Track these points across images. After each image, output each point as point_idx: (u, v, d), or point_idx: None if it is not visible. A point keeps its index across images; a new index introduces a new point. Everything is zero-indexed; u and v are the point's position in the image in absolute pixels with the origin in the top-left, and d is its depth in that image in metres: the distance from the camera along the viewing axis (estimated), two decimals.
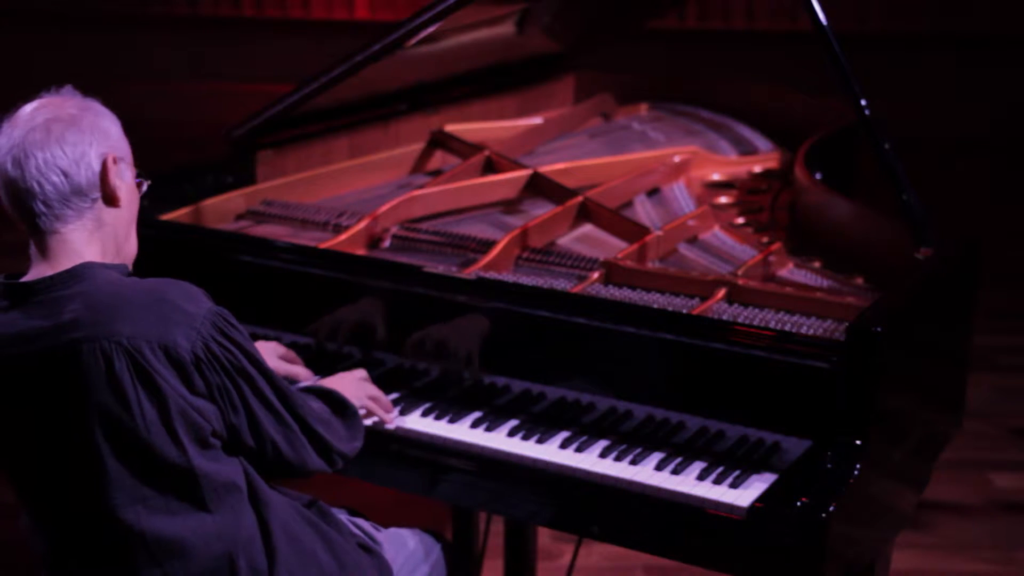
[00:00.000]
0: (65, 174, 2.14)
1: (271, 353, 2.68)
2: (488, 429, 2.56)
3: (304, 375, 2.69)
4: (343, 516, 2.53)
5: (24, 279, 2.17)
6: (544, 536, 3.90)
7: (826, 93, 3.55)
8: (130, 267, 2.26)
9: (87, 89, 2.22)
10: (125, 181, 2.22)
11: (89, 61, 7.60)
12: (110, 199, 2.19)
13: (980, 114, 7.72)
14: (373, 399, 2.58)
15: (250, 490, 2.24)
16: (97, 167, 2.16)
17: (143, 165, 2.28)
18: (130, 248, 2.26)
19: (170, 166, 3.05)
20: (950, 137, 7.48)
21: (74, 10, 8.09)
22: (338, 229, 2.96)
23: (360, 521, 2.56)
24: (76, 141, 2.15)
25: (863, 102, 2.77)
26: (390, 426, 2.59)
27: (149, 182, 2.30)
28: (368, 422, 2.56)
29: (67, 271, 2.14)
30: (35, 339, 2.11)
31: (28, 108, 2.19)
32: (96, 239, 2.19)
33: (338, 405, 2.42)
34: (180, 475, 2.13)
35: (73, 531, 2.20)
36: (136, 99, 7.64)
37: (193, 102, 8.11)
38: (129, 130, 2.24)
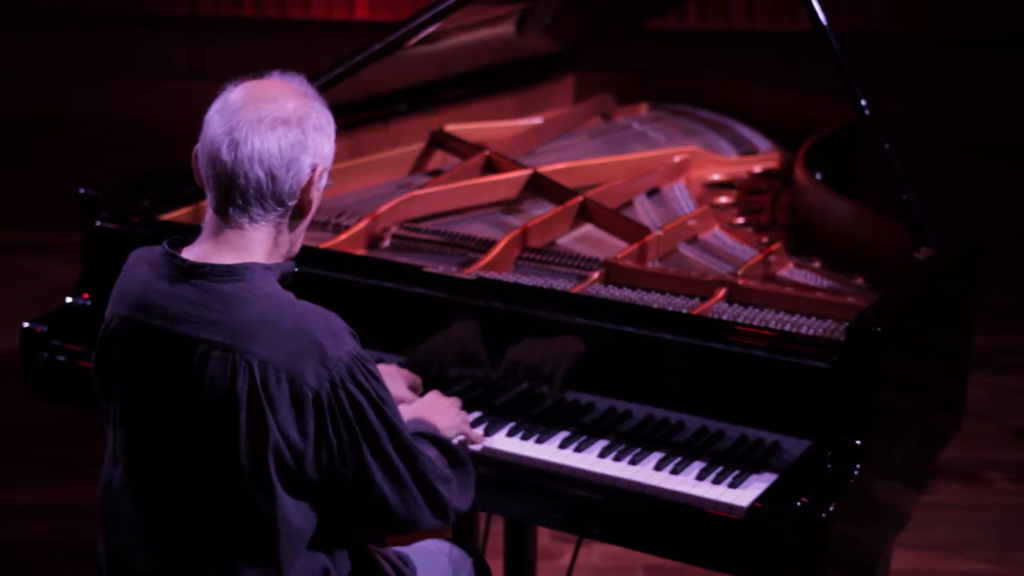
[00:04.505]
0: (272, 177, 2.09)
1: (395, 378, 2.52)
2: (488, 430, 2.55)
3: (409, 399, 2.53)
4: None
5: (188, 255, 2.14)
6: (544, 536, 3.90)
7: (826, 93, 3.55)
8: (294, 265, 2.20)
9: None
10: (319, 189, 2.17)
11: (89, 61, 7.58)
12: (303, 209, 2.15)
13: (980, 114, 7.71)
14: (467, 423, 2.49)
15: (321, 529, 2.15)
16: (305, 177, 2.12)
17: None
18: (296, 248, 2.22)
19: (170, 166, 3.04)
20: (950, 137, 7.47)
21: (74, 10, 8.08)
22: (338, 229, 2.96)
23: (388, 553, 2.42)
24: (295, 144, 2.10)
25: (863, 102, 2.77)
26: (476, 447, 2.49)
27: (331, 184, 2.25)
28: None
29: (228, 267, 2.10)
30: (179, 322, 2.09)
31: (255, 90, 2.13)
32: (270, 240, 2.15)
33: (452, 456, 2.30)
34: (260, 514, 2.08)
35: (152, 503, 2.15)
36: (136, 99, 7.64)
37: (193, 102, 8.09)
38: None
